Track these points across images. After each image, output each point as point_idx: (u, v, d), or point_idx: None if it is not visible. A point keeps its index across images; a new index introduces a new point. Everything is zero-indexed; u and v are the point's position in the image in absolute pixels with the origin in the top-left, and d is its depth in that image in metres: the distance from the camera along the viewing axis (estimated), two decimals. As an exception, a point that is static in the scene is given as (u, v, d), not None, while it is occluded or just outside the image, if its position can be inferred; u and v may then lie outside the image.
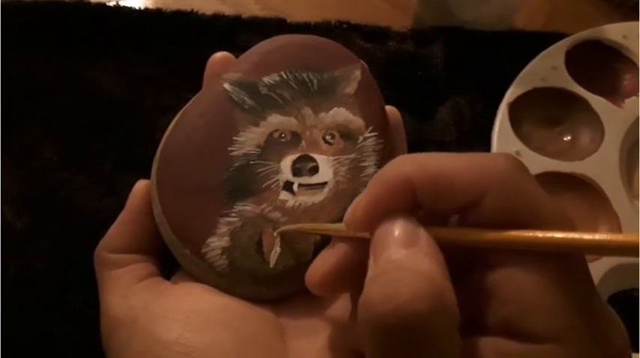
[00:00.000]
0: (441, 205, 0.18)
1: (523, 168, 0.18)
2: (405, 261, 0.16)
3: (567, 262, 0.17)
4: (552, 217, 0.17)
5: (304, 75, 0.27)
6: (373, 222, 0.18)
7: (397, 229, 0.17)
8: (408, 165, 0.18)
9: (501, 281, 0.17)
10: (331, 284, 0.20)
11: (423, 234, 0.17)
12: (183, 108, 0.27)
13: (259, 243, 0.24)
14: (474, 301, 0.17)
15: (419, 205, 0.18)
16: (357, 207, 0.19)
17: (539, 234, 0.16)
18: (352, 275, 0.19)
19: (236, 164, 0.25)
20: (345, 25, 0.42)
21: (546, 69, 0.39)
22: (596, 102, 0.38)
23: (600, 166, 0.36)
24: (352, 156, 0.26)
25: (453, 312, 0.16)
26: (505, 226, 0.17)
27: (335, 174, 0.26)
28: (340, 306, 0.23)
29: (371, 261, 0.17)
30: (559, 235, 0.16)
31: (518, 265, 0.17)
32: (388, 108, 0.28)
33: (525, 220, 0.17)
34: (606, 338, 0.16)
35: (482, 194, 0.17)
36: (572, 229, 0.17)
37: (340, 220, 0.25)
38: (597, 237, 0.16)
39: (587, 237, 0.16)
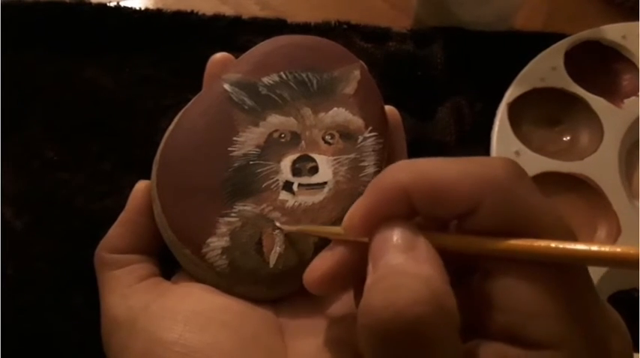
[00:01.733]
0: (438, 213, 0.18)
1: (521, 175, 0.18)
2: (404, 265, 0.17)
3: (567, 269, 0.17)
4: (551, 225, 0.17)
5: (304, 75, 0.27)
6: (371, 228, 0.18)
7: (395, 235, 0.17)
8: (404, 173, 0.18)
9: (501, 290, 0.17)
10: (328, 284, 0.20)
11: (421, 240, 0.17)
12: (184, 109, 0.27)
13: (259, 243, 0.24)
14: (474, 305, 0.17)
15: (416, 212, 0.18)
16: (355, 213, 0.19)
17: (536, 243, 0.16)
18: (350, 276, 0.20)
19: (236, 164, 0.25)
20: (345, 26, 0.42)
21: (546, 69, 0.39)
22: (596, 102, 0.38)
23: (600, 166, 0.36)
24: (352, 156, 0.26)
25: (454, 317, 0.16)
26: (503, 233, 0.17)
27: (335, 174, 0.26)
28: (344, 304, 0.23)
29: (370, 267, 0.17)
30: (556, 245, 0.16)
31: (516, 273, 0.17)
32: (387, 108, 0.29)
33: (523, 228, 0.17)
34: (605, 343, 0.17)
35: (479, 202, 0.17)
36: (572, 238, 0.17)
37: (340, 220, 0.25)
38: (595, 248, 0.16)
39: (584, 247, 0.16)
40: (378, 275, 0.17)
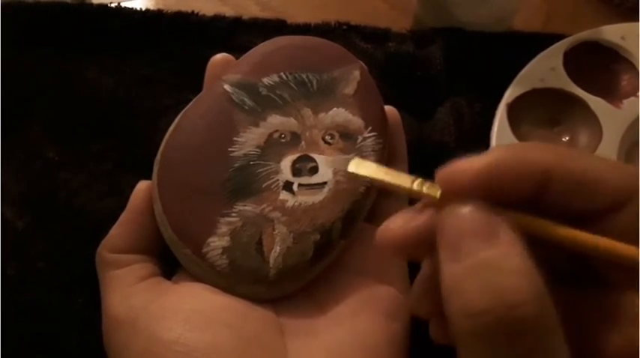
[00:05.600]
0: (573, 205, 0.16)
1: None
2: (496, 259, 0.15)
3: None
4: None
5: (304, 76, 0.27)
6: (479, 192, 0.16)
7: (474, 219, 0.15)
8: (550, 154, 0.16)
9: (627, 306, 0.16)
10: (402, 248, 0.18)
11: (505, 226, 0.15)
12: (184, 109, 0.27)
13: (259, 242, 0.25)
14: (577, 319, 0.16)
15: (538, 199, 0.16)
16: (470, 165, 0.16)
17: None
18: (425, 245, 0.17)
19: (236, 164, 0.25)
20: (345, 26, 0.42)
21: (545, 70, 0.39)
22: (595, 102, 0.38)
23: (599, 167, 0.36)
24: (351, 156, 0.26)
25: (555, 314, 0.14)
26: None
27: (335, 174, 0.26)
28: (344, 304, 0.23)
29: (444, 250, 0.15)
30: None
31: None
32: (387, 108, 0.29)
33: None
34: None
35: (627, 200, 0.15)
36: None
37: (340, 220, 0.25)
38: None
39: None
40: (468, 266, 0.15)
